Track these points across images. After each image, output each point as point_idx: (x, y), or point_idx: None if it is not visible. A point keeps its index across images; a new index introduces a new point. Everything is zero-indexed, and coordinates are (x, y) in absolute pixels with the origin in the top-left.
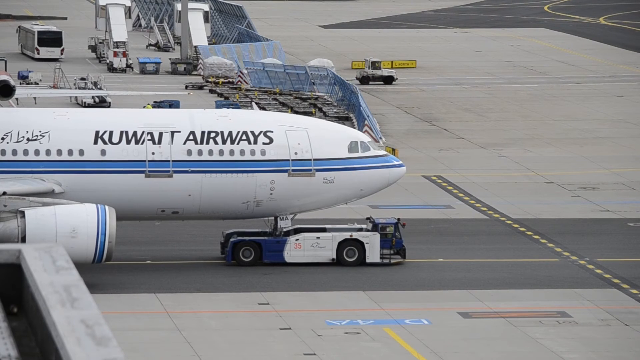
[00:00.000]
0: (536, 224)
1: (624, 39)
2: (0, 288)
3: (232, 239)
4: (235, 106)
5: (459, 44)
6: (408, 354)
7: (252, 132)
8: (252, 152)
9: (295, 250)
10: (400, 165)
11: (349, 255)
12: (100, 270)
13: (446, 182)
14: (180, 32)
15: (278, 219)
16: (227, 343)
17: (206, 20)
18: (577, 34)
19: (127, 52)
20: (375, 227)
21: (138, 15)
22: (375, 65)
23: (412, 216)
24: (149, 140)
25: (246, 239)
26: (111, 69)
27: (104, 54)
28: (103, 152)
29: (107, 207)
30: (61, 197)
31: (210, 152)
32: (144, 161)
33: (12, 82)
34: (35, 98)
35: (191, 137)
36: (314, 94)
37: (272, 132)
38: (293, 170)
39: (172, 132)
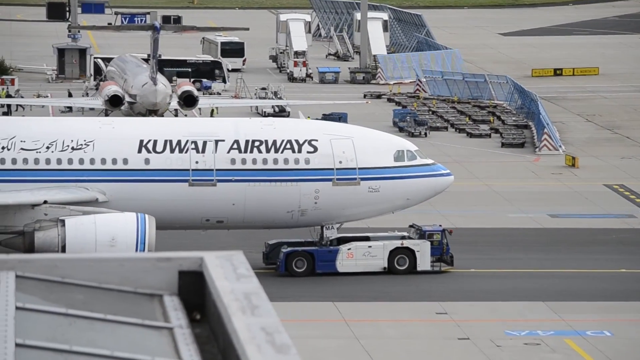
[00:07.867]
0: None
1: None
2: (184, 295)
3: (284, 250)
4: (414, 115)
5: None
6: None
7: (297, 141)
8: (296, 161)
9: (348, 259)
10: (447, 174)
11: (400, 263)
12: (280, 280)
13: (629, 191)
14: (359, 41)
15: (324, 228)
16: (405, 353)
17: (385, 29)
18: None
19: (307, 62)
20: (422, 235)
21: (318, 25)
22: None
23: (592, 225)
24: (192, 149)
25: (299, 249)
26: (291, 78)
27: (284, 63)
28: (147, 161)
29: (147, 215)
30: (105, 206)
31: (254, 161)
32: (188, 170)
33: (196, 93)
34: (217, 108)
35: (235, 145)
36: (492, 102)
37: (316, 140)
38: (338, 179)
39: (216, 141)
